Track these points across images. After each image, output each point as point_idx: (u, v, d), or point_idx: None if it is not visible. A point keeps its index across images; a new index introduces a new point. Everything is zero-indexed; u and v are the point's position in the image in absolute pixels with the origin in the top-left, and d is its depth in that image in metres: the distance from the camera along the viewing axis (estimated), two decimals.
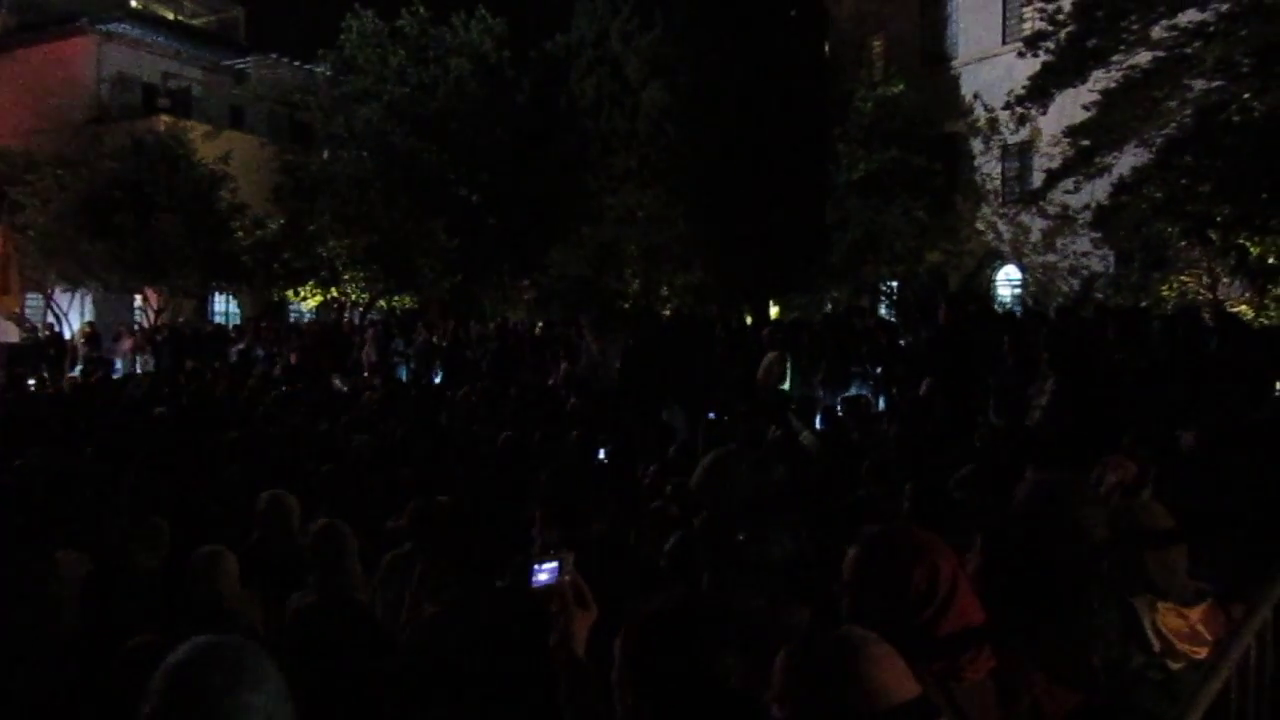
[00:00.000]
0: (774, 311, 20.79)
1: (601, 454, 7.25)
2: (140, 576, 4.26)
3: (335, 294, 24.71)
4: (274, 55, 32.21)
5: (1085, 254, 19.85)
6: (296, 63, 31.70)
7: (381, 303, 24.82)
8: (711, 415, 8.32)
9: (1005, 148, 22.87)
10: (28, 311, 25.28)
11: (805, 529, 3.60)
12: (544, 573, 2.37)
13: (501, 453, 7.16)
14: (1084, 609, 2.49)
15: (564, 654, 2.34)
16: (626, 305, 21.78)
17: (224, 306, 29.19)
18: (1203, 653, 2.70)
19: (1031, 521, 2.78)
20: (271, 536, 4.88)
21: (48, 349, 20.40)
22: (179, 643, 1.73)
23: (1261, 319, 14.42)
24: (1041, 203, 19.42)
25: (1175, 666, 2.66)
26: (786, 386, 11.73)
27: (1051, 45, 15.47)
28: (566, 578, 2.38)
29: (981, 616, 2.19)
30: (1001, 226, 23.09)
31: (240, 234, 24.43)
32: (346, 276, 24.01)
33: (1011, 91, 16.70)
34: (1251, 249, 14.42)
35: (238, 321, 26.13)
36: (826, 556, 3.30)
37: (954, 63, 24.33)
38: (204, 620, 3.48)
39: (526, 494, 5.09)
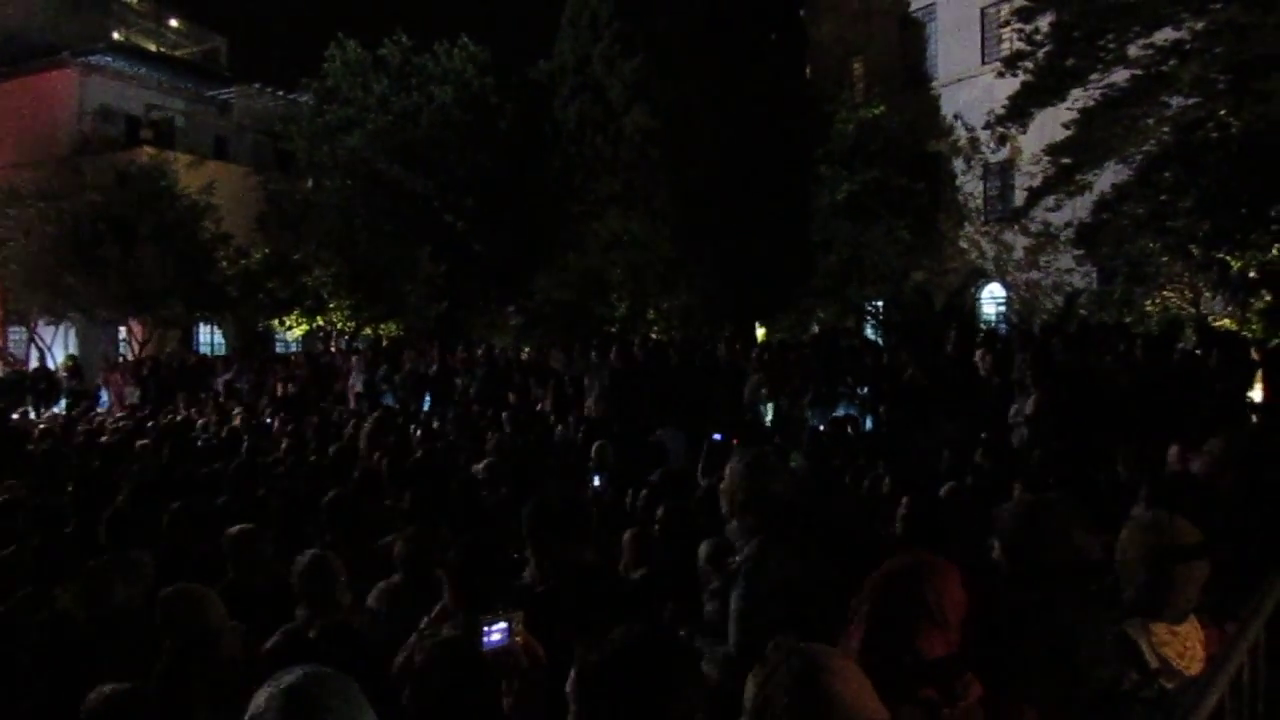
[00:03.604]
0: (760, 333, 20.82)
1: (598, 480, 7.22)
2: (122, 612, 4.20)
3: (321, 322, 24.65)
4: (257, 85, 32.29)
5: (1068, 271, 19.97)
6: (280, 92, 31.78)
7: (367, 330, 24.76)
8: (717, 437, 8.28)
9: (987, 167, 23.05)
10: (10, 344, 25.11)
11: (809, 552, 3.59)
12: (495, 633, 2.32)
13: (488, 480, 7.12)
14: (1079, 629, 2.48)
15: (520, 717, 2.30)
16: (613, 330, 21.77)
17: (209, 337, 29.08)
18: (1196, 669, 2.69)
19: (1027, 542, 2.78)
20: (242, 571, 4.83)
21: (37, 383, 20.23)
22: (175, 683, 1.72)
23: (1244, 333, 14.51)
24: (1024, 221, 19.56)
25: (1169, 685, 2.65)
26: (768, 405, 11.76)
27: (1030, 65, 15.62)
28: (517, 639, 2.34)
29: (958, 645, 2.19)
30: (985, 245, 23.23)
31: (225, 264, 24.36)
32: (332, 305, 23.96)
33: (991, 111, 16.85)
34: (1232, 264, 14.53)
35: (223, 352, 26.03)
36: (825, 579, 3.29)
37: (934, 83, 24.53)
38: (191, 657, 3.44)
39: (516, 522, 5.04)
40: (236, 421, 12.80)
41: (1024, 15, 15.74)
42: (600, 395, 12.52)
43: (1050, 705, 2.31)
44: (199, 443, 10.00)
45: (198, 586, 3.79)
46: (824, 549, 4.08)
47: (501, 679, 2.34)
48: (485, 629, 2.33)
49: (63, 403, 19.33)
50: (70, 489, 6.90)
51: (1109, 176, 15.85)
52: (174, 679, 3.32)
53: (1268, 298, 14.71)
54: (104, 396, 20.22)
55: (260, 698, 1.70)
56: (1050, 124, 16.10)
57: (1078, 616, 2.50)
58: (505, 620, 2.35)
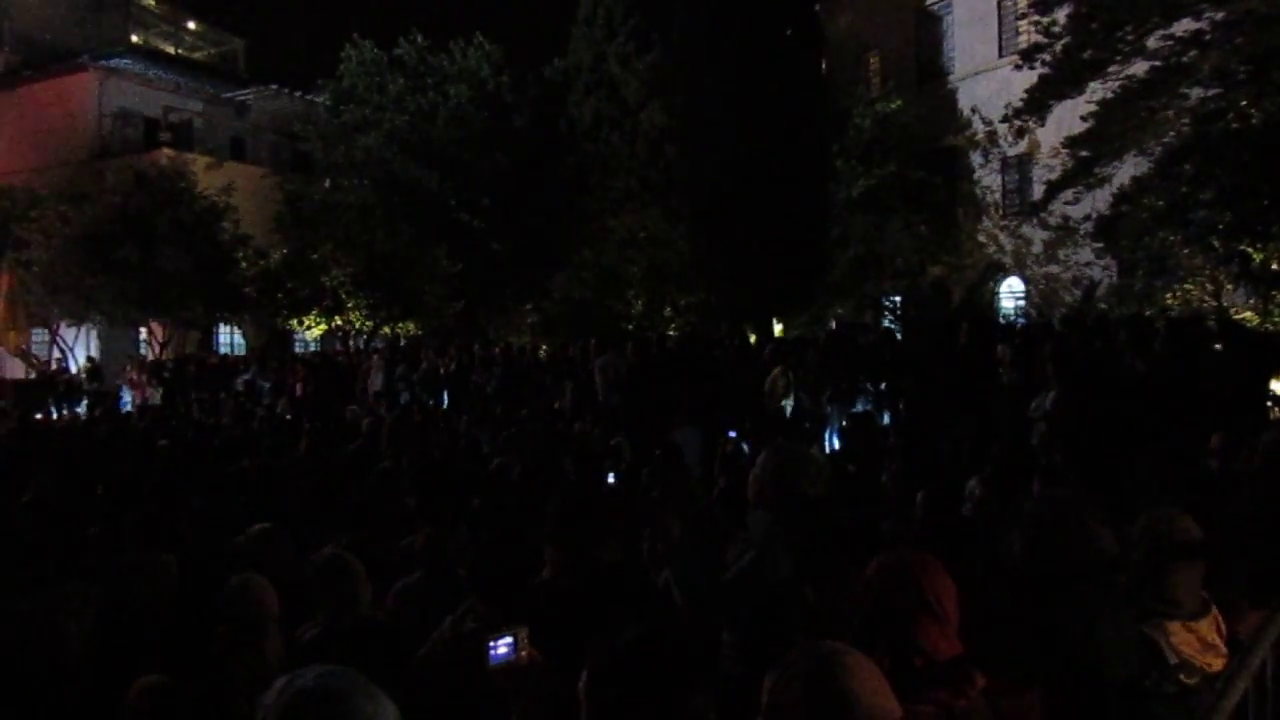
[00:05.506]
0: (777, 329, 20.77)
1: (611, 478, 7.22)
2: (148, 611, 4.24)
3: (339, 322, 24.76)
4: (274, 86, 32.45)
5: (1088, 264, 19.82)
6: (296, 93, 31.93)
7: (385, 330, 24.85)
8: (733, 434, 8.28)
9: (1004, 160, 22.90)
10: (33, 347, 25.32)
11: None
12: (501, 647, 2.32)
13: (506, 480, 7.13)
14: (1099, 625, 2.48)
15: None
16: (630, 327, 21.78)
17: (229, 337, 29.25)
18: (1218, 664, 2.68)
19: (1045, 538, 2.77)
20: (263, 571, 4.84)
21: (57, 385, 20.38)
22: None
23: (1266, 325, 14.38)
24: (1042, 214, 19.43)
25: (1190, 681, 2.64)
26: (790, 403, 11.72)
27: (1048, 57, 15.52)
28: (523, 654, 2.34)
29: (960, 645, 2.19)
30: (1003, 239, 23.09)
31: (243, 265, 24.49)
32: (350, 304, 24.06)
33: (1009, 104, 16.75)
34: (1254, 256, 14.38)
35: (243, 352, 26.18)
36: (837, 576, 3.28)
37: (951, 77, 24.39)
38: (242, 644, 3.47)
39: (536, 521, 5.03)
40: (257, 421, 12.88)
41: (1041, 7, 15.64)
42: (611, 390, 12.52)
43: (1070, 701, 2.31)
44: (218, 442, 10.05)
45: (262, 579, 3.83)
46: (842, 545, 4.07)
47: (508, 693, 2.33)
48: (491, 644, 2.33)
49: (84, 404, 19.48)
50: (99, 490, 6.94)
51: (1128, 169, 15.72)
52: (222, 667, 3.34)
53: None
54: (126, 397, 20.38)
55: (279, 698, 1.68)
56: (1068, 116, 15.99)
57: (1098, 612, 2.49)
58: (511, 634, 2.34)
